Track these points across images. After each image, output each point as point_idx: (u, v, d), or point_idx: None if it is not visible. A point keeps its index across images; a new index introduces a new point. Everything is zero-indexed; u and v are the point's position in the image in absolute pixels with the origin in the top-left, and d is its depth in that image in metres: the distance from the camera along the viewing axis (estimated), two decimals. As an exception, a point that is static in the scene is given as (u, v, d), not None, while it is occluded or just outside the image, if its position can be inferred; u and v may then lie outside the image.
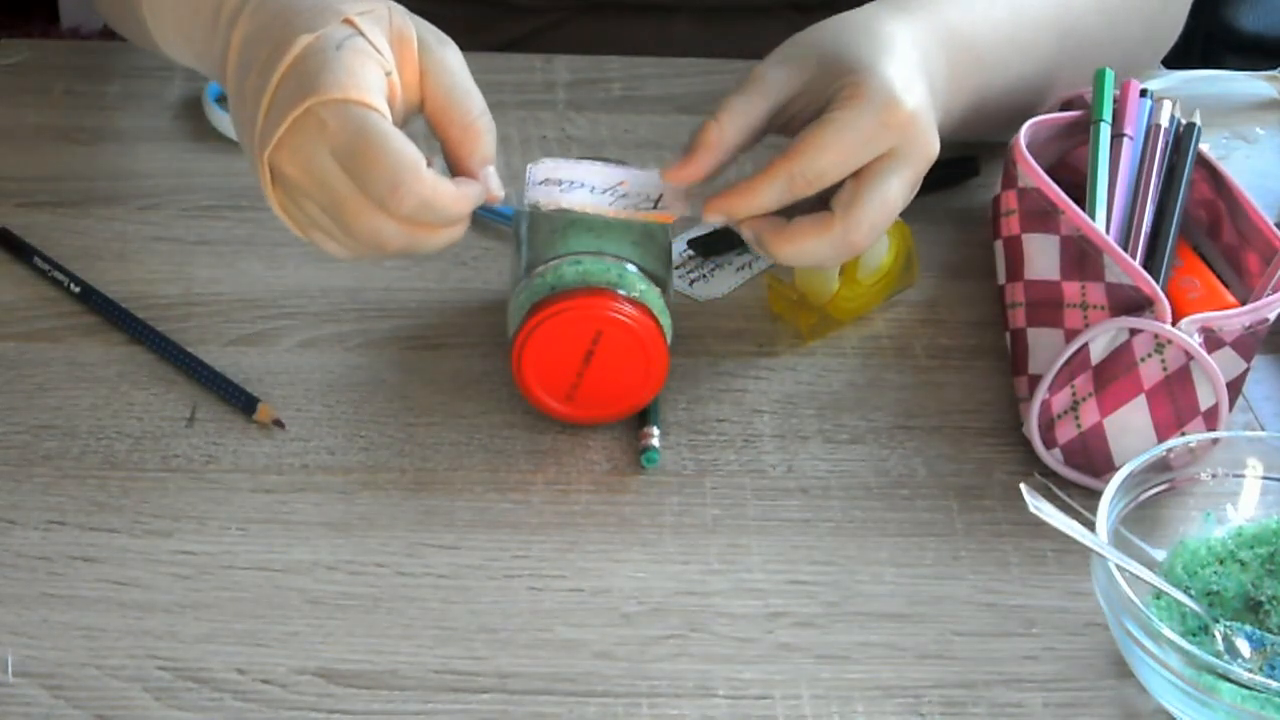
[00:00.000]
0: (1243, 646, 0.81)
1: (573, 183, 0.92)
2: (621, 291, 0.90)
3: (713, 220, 0.90)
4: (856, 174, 0.89)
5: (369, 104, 0.84)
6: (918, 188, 0.92)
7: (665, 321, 0.92)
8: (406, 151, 0.84)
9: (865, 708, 0.79)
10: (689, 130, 0.92)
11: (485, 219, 1.04)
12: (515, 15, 1.29)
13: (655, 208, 0.91)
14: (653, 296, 0.91)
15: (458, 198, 0.85)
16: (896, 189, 0.89)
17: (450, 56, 0.89)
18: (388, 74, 0.87)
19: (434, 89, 0.88)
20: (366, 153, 0.83)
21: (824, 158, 0.87)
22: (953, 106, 0.97)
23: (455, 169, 0.88)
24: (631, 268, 0.91)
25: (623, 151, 0.99)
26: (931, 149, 0.90)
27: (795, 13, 0.98)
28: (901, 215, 0.98)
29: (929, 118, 0.90)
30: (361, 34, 0.86)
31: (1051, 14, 1.04)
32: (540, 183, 0.92)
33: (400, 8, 0.89)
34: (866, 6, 0.96)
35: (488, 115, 0.88)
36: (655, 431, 0.91)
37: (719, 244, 1.03)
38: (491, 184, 0.87)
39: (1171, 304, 0.89)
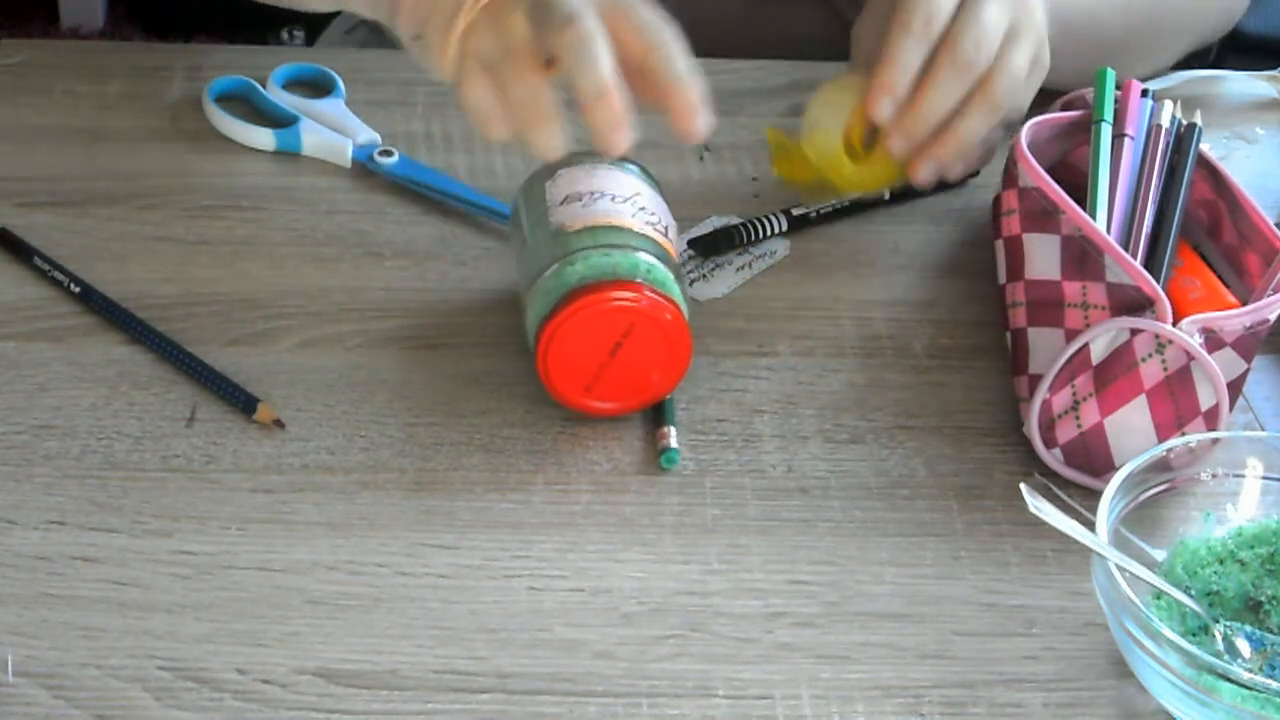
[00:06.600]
0: (1243, 646, 0.81)
1: (593, 194, 0.93)
2: (656, 285, 0.90)
3: (882, 112, 0.95)
4: None
5: None
6: (1026, 28, 0.97)
7: (685, 312, 0.92)
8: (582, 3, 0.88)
9: (865, 708, 0.79)
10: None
11: (484, 218, 1.05)
12: None
13: (666, 235, 0.93)
14: (675, 288, 0.91)
15: (608, 58, 0.87)
16: (995, 12, 0.95)
17: None
18: None
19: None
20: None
21: None
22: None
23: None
24: (656, 260, 0.91)
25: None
26: None
27: None
28: (901, 215, 0.98)
29: None
30: None
31: None
32: (561, 202, 0.93)
33: None
34: None
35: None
36: (672, 431, 0.91)
37: (719, 244, 1.03)
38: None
39: (1172, 304, 0.89)
